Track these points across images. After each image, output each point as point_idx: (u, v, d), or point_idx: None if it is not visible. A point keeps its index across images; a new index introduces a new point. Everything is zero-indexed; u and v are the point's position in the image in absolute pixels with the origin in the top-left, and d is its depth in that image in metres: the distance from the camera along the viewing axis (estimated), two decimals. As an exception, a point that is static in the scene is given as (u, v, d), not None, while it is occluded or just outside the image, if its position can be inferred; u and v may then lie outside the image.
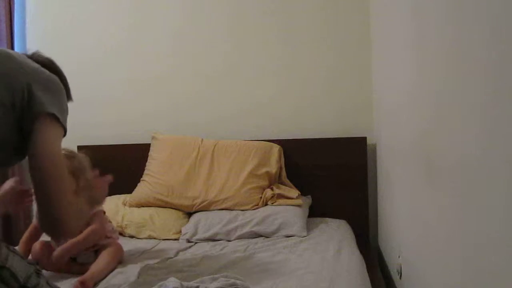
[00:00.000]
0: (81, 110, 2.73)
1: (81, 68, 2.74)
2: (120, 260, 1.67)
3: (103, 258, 1.57)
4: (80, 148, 2.63)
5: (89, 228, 1.63)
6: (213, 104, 2.61)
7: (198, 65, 2.63)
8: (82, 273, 1.50)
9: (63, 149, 1.64)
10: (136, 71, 2.69)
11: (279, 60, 2.56)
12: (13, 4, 2.70)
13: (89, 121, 2.71)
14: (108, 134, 2.68)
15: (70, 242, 1.57)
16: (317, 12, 2.51)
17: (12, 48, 2.68)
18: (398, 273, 1.66)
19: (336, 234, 2.01)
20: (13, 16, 2.70)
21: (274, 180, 2.31)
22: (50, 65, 1.20)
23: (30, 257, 1.65)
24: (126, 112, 2.70)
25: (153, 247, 1.90)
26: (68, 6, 2.77)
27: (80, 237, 1.59)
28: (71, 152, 1.65)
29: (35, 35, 2.79)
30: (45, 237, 1.73)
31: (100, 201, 1.44)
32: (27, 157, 1.04)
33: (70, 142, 2.56)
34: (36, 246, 1.66)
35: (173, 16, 2.65)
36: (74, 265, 1.61)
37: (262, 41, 2.57)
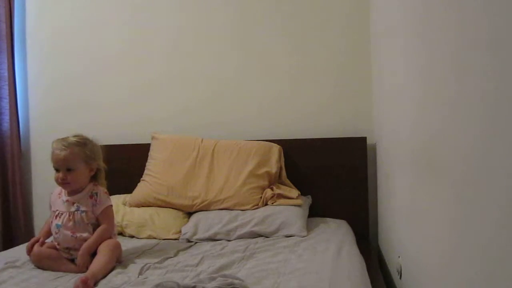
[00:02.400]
0: (83, 111, 2.74)
1: (82, 69, 2.74)
2: (118, 256, 1.68)
3: (102, 256, 1.57)
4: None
5: (101, 228, 1.68)
6: (215, 106, 2.61)
7: (200, 68, 2.63)
8: (81, 272, 1.51)
9: (77, 135, 1.71)
10: (138, 73, 2.69)
11: (281, 62, 2.56)
12: (13, 4, 2.70)
13: (91, 122, 2.71)
14: (109, 135, 2.68)
15: (87, 242, 1.62)
16: (320, 17, 2.52)
17: (12, 48, 2.68)
18: (398, 273, 1.66)
19: (336, 234, 2.00)
20: (13, 16, 2.70)
21: (274, 180, 2.31)
22: None
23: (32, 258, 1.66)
24: (128, 114, 2.70)
25: (153, 247, 1.90)
26: (69, 7, 2.77)
27: (94, 237, 1.65)
28: (84, 139, 1.72)
29: (35, 36, 2.79)
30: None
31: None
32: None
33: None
34: (35, 249, 1.66)
35: (176, 19, 2.66)
36: (73, 266, 1.61)
37: (264, 44, 2.57)
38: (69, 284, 1.44)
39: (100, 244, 1.63)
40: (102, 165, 1.77)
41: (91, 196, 1.70)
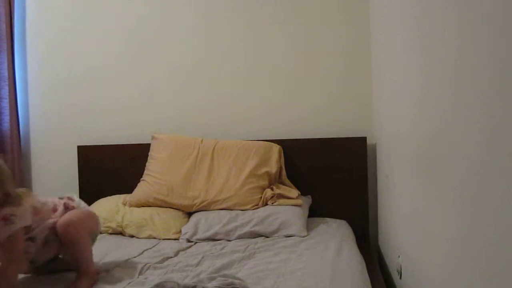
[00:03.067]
0: (83, 111, 2.74)
1: (82, 69, 2.74)
2: (95, 220, 1.59)
3: (79, 248, 1.48)
4: (79, 148, 2.63)
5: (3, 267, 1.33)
6: (215, 106, 2.61)
7: (201, 69, 2.63)
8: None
9: None
10: (138, 73, 2.69)
11: (281, 62, 2.56)
12: (13, 4, 2.70)
13: (90, 122, 2.71)
14: (109, 135, 2.68)
15: None
16: (320, 18, 2.52)
17: (12, 48, 2.68)
18: (398, 273, 1.66)
19: (336, 234, 2.01)
20: (13, 16, 2.70)
21: (274, 180, 2.31)
22: None
23: None
24: (128, 114, 2.70)
25: (153, 247, 1.90)
26: (70, 7, 2.76)
27: None
28: None
29: (35, 36, 2.79)
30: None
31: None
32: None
33: (72, 142, 2.54)
34: None
35: (177, 21, 2.65)
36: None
37: (264, 45, 2.57)
38: (68, 284, 1.44)
39: None
40: (11, 190, 1.39)
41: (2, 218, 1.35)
